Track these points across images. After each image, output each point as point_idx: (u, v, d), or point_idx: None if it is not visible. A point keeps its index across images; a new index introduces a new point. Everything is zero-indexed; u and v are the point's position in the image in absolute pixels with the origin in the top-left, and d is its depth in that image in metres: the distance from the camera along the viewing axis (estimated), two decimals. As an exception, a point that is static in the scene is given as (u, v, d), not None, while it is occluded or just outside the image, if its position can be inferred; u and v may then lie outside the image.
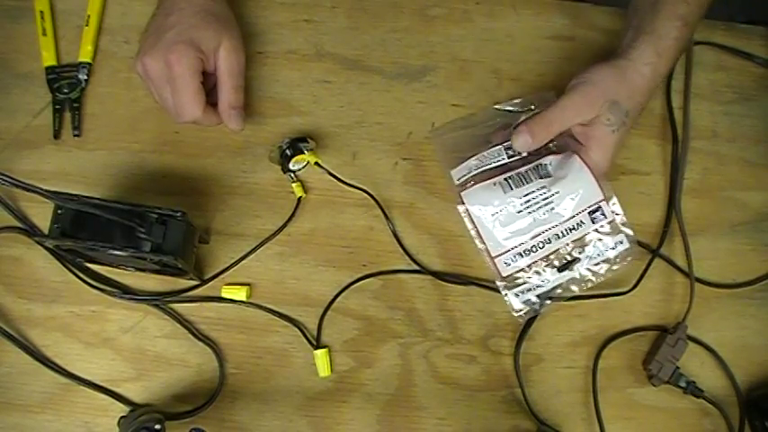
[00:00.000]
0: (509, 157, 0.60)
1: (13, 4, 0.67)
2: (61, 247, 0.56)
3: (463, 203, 0.61)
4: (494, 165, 0.61)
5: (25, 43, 0.66)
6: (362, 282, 0.62)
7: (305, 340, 0.61)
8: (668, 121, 0.67)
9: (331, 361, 0.61)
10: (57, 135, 0.64)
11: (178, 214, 0.54)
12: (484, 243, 0.60)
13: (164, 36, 0.57)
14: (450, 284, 0.62)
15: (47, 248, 0.61)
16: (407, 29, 0.68)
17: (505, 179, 0.60)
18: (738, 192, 0.66)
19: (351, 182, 0.63)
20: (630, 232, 0.60)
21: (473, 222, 0.61)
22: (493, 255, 0.60)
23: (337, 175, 0.62)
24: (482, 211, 0.60)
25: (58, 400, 0.59)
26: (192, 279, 0.60)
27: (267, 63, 0.67)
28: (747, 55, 0.69)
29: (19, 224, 0.61)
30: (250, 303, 0.61)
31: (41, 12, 0.66)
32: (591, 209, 0.60)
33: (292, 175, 0.63)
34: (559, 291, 0.61)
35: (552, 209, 0.59)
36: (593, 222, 0.60)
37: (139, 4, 0.67)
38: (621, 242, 0.60)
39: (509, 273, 0.60)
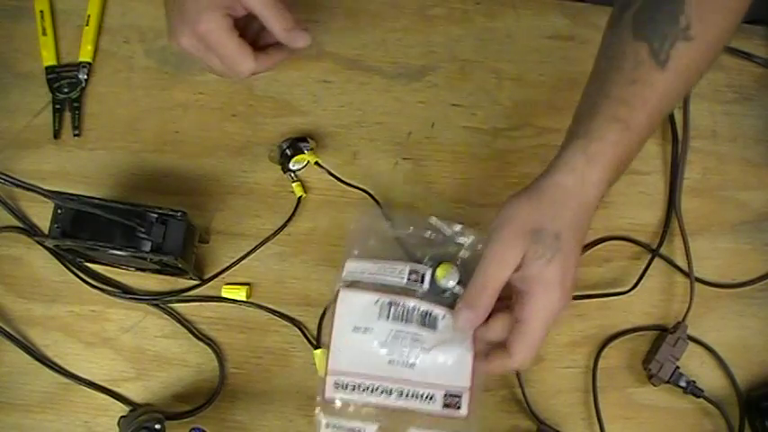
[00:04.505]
0: (407, 281, 0.53)
1: (13, 4, 0.67)
2: (61, 247, 0.56)
3: (335, 301, 0.53)
4: (389, 282, 0.53)
5: (25, 43, 0.66)
6: (362, 282, 0.62)
7: (305, 340, 0.61)
8: (668, 121, 0.67)
9: (331, 361, 0.61)
10: (57, 135, 0.64)
11: (178, 214, 0.54)
12: (329, 349, 0.52)
13: (185, 9, 0.55)
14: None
15: (47, 248, 0.61)
16: (407, 29, 0.68)
17: (389, 303, 0.52)
18: (739, 192, 0.66)
19: (351, 182, 0.63)
20: None
21: (332, 324, 0.53)
22: (330, 367, 0.52)
23: (337, 174, 0.62)
24: (346, 320, 0.52)
25: (58, 400, 0.59)
26: (192, 279, 0.60)
27: (267, 63, 0.67)
28: (747, 55, 0.69)
29: (19, 224, 0.61)
30: (250, 303, 0.61)
31: (41, 12, 0.66)
32: (451, 392, 0.51)
33: (292, 174, 0.63)
34: None
35: (414, 365, 0.51)
36: (444, 407, 0.51)
37: (139, 4, 0.67)
38: None
39: (333, 396, 0.52)
